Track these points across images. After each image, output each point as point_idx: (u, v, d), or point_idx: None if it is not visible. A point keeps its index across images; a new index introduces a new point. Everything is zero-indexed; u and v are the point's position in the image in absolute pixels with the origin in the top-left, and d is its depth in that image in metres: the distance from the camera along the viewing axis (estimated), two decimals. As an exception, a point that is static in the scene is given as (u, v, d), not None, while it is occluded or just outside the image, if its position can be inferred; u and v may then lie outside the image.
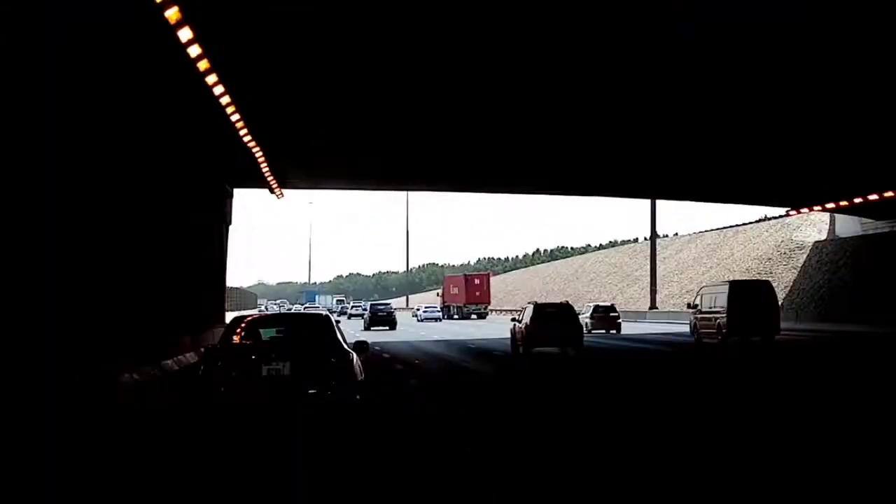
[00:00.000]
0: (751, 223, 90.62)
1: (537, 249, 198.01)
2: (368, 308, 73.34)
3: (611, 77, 25.04)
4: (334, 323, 13.53)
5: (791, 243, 73.94)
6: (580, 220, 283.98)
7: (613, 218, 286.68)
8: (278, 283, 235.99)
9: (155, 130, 20.90)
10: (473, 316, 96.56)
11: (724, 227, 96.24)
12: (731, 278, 58.88)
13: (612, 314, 54.24)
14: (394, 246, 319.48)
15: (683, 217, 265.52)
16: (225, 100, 22.13)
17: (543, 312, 34.38)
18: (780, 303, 41.42)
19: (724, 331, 37.43)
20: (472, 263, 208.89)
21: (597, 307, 55.23)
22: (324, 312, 14.76)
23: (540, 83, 25.71)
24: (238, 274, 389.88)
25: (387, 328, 64.55)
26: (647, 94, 26.97)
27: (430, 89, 26.14)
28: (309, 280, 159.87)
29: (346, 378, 12.22)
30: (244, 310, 54.20)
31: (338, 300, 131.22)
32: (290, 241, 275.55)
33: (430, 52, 22.53)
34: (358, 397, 12.25)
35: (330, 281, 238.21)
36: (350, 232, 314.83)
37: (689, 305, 43.99)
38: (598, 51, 22.52)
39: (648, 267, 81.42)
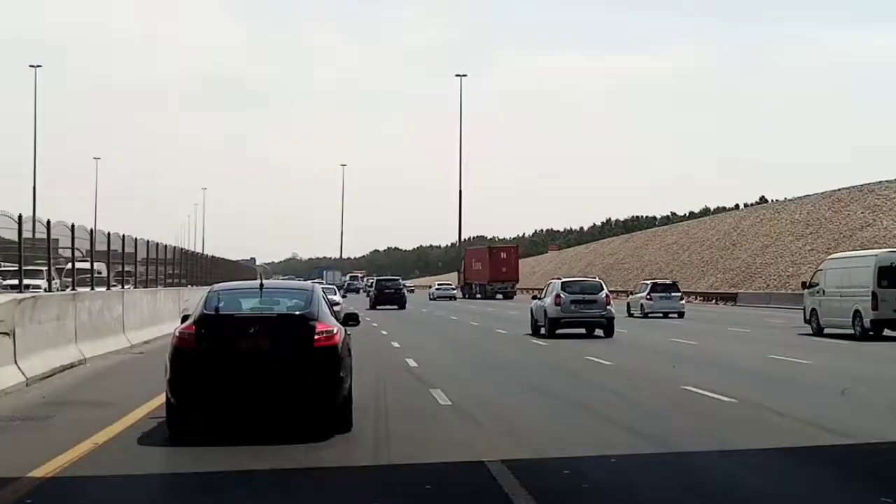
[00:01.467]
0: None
1: (608, 220, 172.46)
2: (374, 284, 65.01)
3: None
4: (318, 296, 12.23)
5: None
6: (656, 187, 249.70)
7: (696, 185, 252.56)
8: (309, 259, 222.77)
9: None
10: (499, 296, 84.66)
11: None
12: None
13: (673, 293, 46.90)
14: (437, 217, 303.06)
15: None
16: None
17: (570, 289, 30.39)
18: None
19: (863, 319, 28.80)
20: (526, 236, 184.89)
21: (655, 285, 47.80)
22: (309, 284, 14.17)
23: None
24: (268, 247, 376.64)
25: (395, 307, 57.20)
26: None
27: None
28: (340, 255, 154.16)
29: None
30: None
31: (351, 276, 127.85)
32: (327, 212, 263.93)
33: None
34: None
35: (364, 256, 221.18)
36: (390, 200, 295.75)
37: (804, 285, 33.99)
38: None
39: (760, 240, 72.83)
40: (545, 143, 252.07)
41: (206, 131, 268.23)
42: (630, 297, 50.93)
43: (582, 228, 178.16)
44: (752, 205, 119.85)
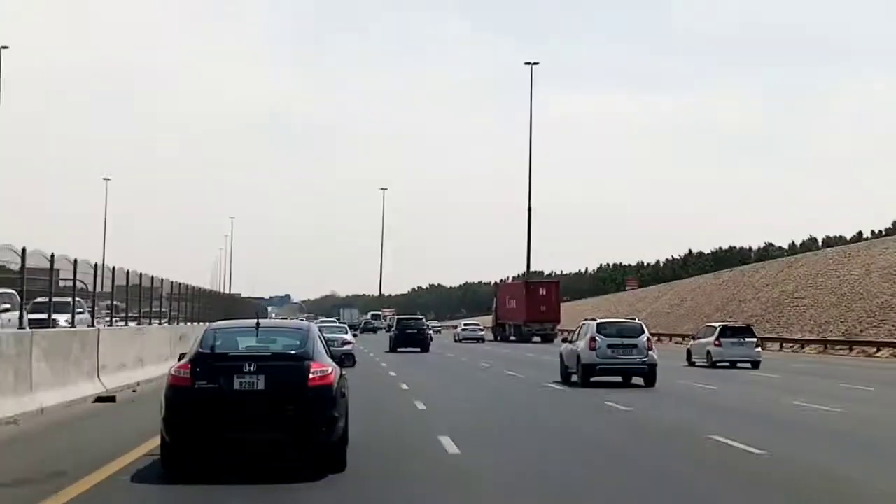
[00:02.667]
0: None
1: (690, 251, 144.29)
2: (395, 323, 59.01)
3: None
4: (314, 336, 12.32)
5: None
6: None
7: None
8: (346, 296, 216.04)
9: None
10: (536, 338, 75.14)
11: None
12: None
13: (747, 339, 40.65)
14: (486, 252, 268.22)
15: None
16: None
17: (606, 331, 27.43)
18: None
19: None
20: (589, 271, 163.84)
21: (725, 328, 41.53)
22: (305, 324, 13.76)
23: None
24: (306, 284, 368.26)
25: (417, 349, 53.14)
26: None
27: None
28: (379, 292, 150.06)
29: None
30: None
31: (373, 314, 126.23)
32: (369, 249, 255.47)
33: None
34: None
35: (405, 294, 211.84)
36: (436, 237, 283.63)
37: None
38: None
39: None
40: (598, 178, 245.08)
41: (248, 165, 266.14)
42: (692, 342, 43.89)
43: (658, 262, 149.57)
44: (880, 234, 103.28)
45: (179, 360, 11.89)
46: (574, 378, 28.22)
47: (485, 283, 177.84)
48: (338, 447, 11.68)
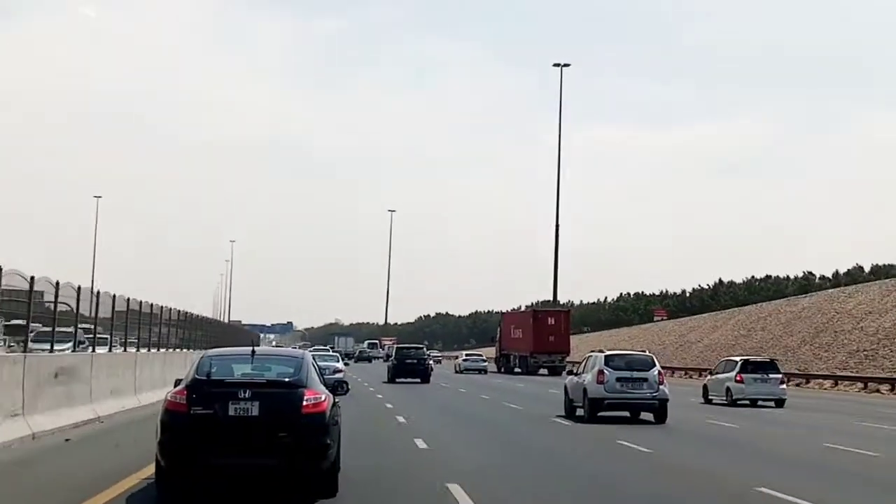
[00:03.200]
0: None
1: (720, 280, 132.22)
2: (394, 353, 55.90)
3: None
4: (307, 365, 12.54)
5: None
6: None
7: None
8: (351, 324, 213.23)
9: None
10: (543, 371, 71.29)
11: None
12: None
13: (771, 374, 37.14)
14: (496, 281, 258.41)
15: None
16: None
17: (614, 364, 26.19)
18: None
19: None
20: (609, 301, 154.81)
21: (746, 363, 37.91)
22: (299, 352, 14.02)
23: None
24: (310, 311, 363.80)
25: (417, 380, 50.86)
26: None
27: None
28: (385, 320, 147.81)
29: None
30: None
31: (370, 343, 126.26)
32: (374, 276, 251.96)
33: None
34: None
35: (412, 322, 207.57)
36: (445, 263, 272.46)
37: None
38: None
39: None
40: (618, 209, 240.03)
41: (249, 188, 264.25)
42: (709, 377, 40.57)
43: (684, 292, 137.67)
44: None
45: (175, 385, 12.07)
46: (579, 412, 26.89)
47: (495, 313, 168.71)
48: (330, 473, 11.97)
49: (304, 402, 11.59)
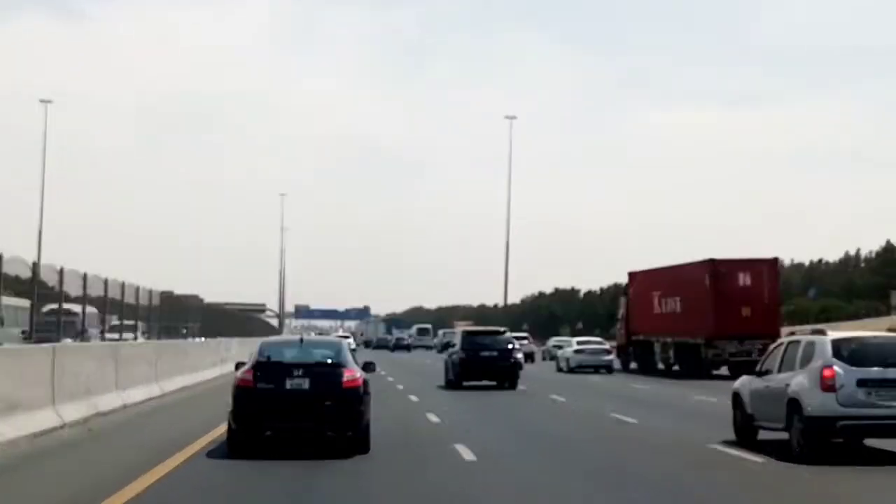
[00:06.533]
0: None
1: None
2: (461, 341, 36.23)
3: None
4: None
5: None
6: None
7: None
8: (438, 308, 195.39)
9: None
10: (723, 367, 43.19)
11: None
12: None
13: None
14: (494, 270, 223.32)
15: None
16: None
17: (854, 354, 14.99)
18: None
19: None
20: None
21: None
22: (338, 340, 17.90)
23: None
24: (389, 295, 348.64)
25: (494, 383, 33.64)
26: None
27: None
28: (505, 301, 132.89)
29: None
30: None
31: (419, 329, 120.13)
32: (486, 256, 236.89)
33: None
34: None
35: (518, 304, 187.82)
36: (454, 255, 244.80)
37: None
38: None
39: None
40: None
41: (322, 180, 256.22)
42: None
43: None
44: None
45: (236, 368, 16.02)
46: (770, 435, 16.23)
47: (498, 307, 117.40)
48: (364, 434, 15.34)
49: (344, 379, 15.22)
